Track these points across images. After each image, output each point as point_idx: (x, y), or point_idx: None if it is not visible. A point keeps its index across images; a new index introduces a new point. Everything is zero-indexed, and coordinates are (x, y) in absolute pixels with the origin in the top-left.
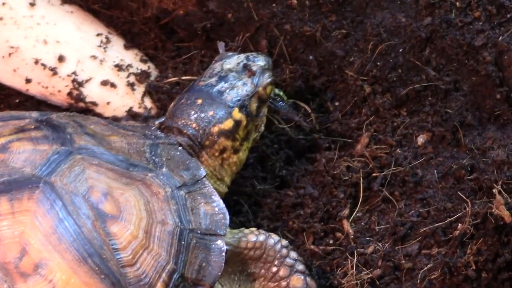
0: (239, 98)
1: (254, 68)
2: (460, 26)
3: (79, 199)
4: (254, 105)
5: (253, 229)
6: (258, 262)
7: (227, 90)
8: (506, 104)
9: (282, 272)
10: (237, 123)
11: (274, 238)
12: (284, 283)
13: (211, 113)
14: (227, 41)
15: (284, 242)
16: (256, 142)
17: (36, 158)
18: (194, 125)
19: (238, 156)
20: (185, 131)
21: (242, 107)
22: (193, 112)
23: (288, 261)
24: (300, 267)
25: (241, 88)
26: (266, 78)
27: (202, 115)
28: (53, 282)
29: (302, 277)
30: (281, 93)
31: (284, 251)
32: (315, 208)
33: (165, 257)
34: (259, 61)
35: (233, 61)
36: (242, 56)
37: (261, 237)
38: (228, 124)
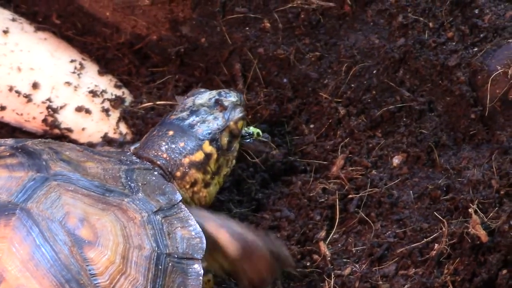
0: (210, 131)
1: (225, 103)
2: (433, 47)
3: (55, 225)
4: (225, 139)
5: None
6: None
7: (198, 124)
8: (481, 123)
9: None
10: (208, 156)
11: None
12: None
13: (181, 144)
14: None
15: None
16: (227, 177)
17: (12, 185)
18: (165, 155)
19: (209, 191)
20: (156, 161)
21: (213, 140)
22: (163, 143)
23: None
24: None
25: (212, 122)
26: (238, 113)
27: (173, 146)
28: None
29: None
30: (253, 130)
31: None
32: (292, 231)
33: (142, 282)
34: (231, 97)
35: (205, 96)
36: (214, 92)
37: None
38: (198, 156)
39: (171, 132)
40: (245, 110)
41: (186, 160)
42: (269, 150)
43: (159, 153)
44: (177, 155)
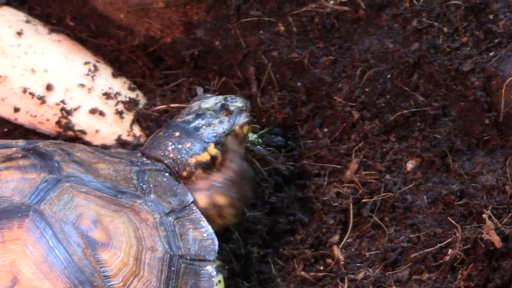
0: (215, 134)
1: (231, 108)
2: (447, 52)
3: (69, 227)
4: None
5: None
6: None
7: (204, 127)
8: (495, 129)
9: (202, 202)
10: (213, 158)
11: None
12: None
13: (188, 145)
14: (204, 86)
15: None
16: None
17: (25, 187)
18: (171, 155)
19: None
20: (164, 160)
21: (218, 143)
22: (170, 143)
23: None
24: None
25: (218, 126)
26: (243, 118)
27: (180, 146)
28: None
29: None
30: (257, 138)
31: None
32: (305, 235)
33: (155, 284)
34: (237, 102)
35: (211, 101)
36: (220, 97)
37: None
38: (205, 156)
39: (177, 134)
40: (250, 115)
41: (192, 160)
42: (275, 163)
43: (166, 153)
44: (183, 155)
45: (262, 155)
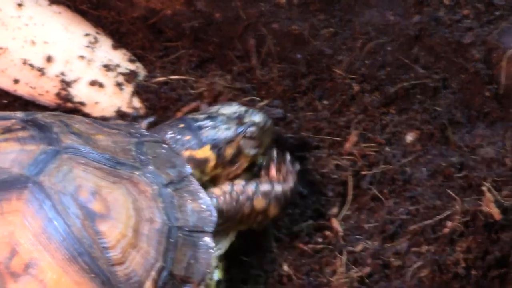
0: (215, 138)
1: (245, 120)
2: (448, 24)
3: (67, 199)
4: (230, 151)
5: (211, 189)
6: (231, 215)
7: (208, 128)
8: (495, 101)
9: (259, 205)
10: (206, 159)
11: (236, 183)
12: (260, 214)
13: (187, 137)
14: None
15: (242, 181)
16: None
17: (24, 158)
18: (168, 142)
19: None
20: None
21: (215, 147)
22: (171, 131)
23: (262, 190)
24: (263, 188)
25: (222, 131)
26: (253, 132)
27: (178, 136)
28: (44, 282)
29: (260, 196)
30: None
31: (251, 187)
32: (304, 207)
33: (154, 255)
34: (256, 117)
35: (232, 109)
36: (243, 108)
37: (227, 188)
38: (200, 153)
39: (181, 125)
40: (267, 132)
41: (186, 153)
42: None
43: (164, 139)
44: (179, 146)
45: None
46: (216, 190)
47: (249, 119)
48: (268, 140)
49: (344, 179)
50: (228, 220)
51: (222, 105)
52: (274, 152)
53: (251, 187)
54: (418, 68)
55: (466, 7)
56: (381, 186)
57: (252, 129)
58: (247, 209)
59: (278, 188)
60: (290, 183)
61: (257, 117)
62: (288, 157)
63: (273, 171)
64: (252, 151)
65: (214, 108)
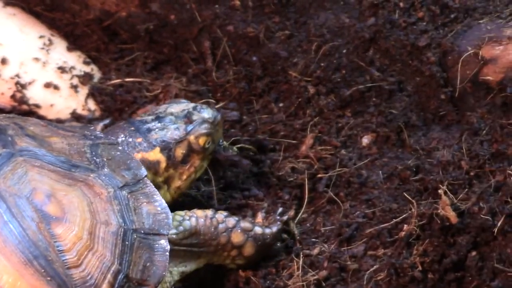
0: (164, 139)
1: (194, 117)
2: (403, 27)
3: (23, 202)
4: (180, 151)
5: (194, 210)
6: (207, 240)
7: (157, 130)
8: (451, 104)
9: (236, 239)
10: (157, 161)
11: (220, 213)
12: (235, 249)
13: (139, 140)
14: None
15: (225, 212)
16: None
17: None
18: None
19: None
20: None
21: (165, 149)
22: (122, 135)
23: (242, 226)
24: (244, 224)
25: (171, 131)
26: (202, 129)
27: (130, 139)
28: (0, 285)
29: (239, 230)
30: (227, 145)
31: (232, 220)
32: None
33: (109, 258)
34: (204, 113)
35: (180, 107)
36: (191, 105)
37: (210, 213)
38: (151, 155)
39: (132, 128)
40: (218, 127)
41: (139, 155)
42: (238, 159)
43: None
44: (131, 149)
45: (226, 157)
46: (198, 212)
47: (198, 116)
48: (220, 135)
49: (300, 182)
50: (203, 245)
51: (170, 103)
52: (265, 204)
53: (232, 220)
54: (374, 70)
55: (421, 10)
56: (337, 189)
57: (202, 126)
58: (224, 238)
59: (259, 229)
60: (274, 228)
61: (206, 113)
62: (280, 209)
63: (259, 218)
64: (203, 149)
65: (162, 108)
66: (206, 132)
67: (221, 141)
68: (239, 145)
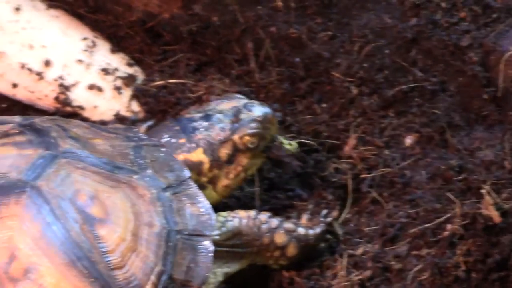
0: (207, 140)
1: (242, 116)
2: (446, 27)
3: (66, 203)
4: (224, 152)
5: (237, 211)
6: (250, 240)
7: (202, 129)
8: (493, 104)
9: (279, 240)
10: (200, 162)
11: (263, 213)
12: (278, 250)
13: (182, 140)
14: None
15: (268, 213)
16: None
17: (21, 163)
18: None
19: (204, 193)
20: None
21: (208, 149)
22: (166, 135)
23: (286, 226)
24: (287, 225)
25: (216, 132)
26: (248, 129)
27: (173, 140)
28: (43, 286)
29: (282, 231)
30: (286, 141)
31: (275, 221)
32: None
33: (153, 259)
34: (255, 111)
35: (231, 103)
36: (242, 101)
37: (253, 214)
38: (194, 156)
39: (177, 128)
40: (269, 125)
41: (181, 156)
42: (289, 160)
43: (160, 142)
44: (174, 149)
45: (277, 156)
46: (241, 212)
47: (246, 114)
48: (273, 132)
49: (344, 182)
50: (246, 245)
51: (222, 99)
52: (310, 206)
53: (275, 221)
54: (416, 71)
55: (463, 10)
56: (380, 189)
57: (248, 125)
58: (267, 239)
59: (302, 230)
60: (317, 230)
61: (257, 111)
62: (324, 211)
63: (304, 219)
64: (251, 148)
65: (212, 104)
66: (251, 132)
67: (277, 137)
68: (298, 140)
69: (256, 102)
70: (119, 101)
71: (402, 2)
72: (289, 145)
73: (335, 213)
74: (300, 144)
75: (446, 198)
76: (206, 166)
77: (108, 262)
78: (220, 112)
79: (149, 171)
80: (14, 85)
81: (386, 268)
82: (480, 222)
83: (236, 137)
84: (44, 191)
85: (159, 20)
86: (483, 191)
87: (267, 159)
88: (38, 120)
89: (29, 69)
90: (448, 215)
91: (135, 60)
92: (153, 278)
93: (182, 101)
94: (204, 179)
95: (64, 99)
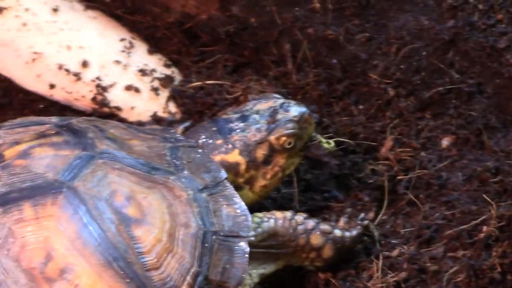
0: (244, 141)
1: (279, 117)
2: (483, 29)
3: (102, 204)
4: (261, 153)
5: (273, 212)
6: (286, 241)
7: (238, 131)
8: None
9: (315, 241)
10: (237, 163)
11: (299, 214)
12: (313, 251)
13: (219, 141)
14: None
15: (304, 214)
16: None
17: (58, 164)
18: (201, 147)
19: (241, 194)
20: None
21: (245, 151)
22: (203, 136)
23: (322, 228)
24: (323, 226)
25: (252, 132)
26: (284, 129)
27: (210, 141)
28: (79, 287)
29: (318, 232)
30: (324, 140)
31: (311, 222)
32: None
33: (189, 260)
34: (292, 111)
35: (268, 103)
36: (279, 101)
37: (289, 215)
38: (230, 158)
39: (214, 128)
40: (306, 125)
41: (218, 157)
42: (327, 160)
43: (197, 143)
44: (210, 150)
45: (316, 155)
46: (277, 213)
47: (283, 114)
48: (310, 132)
49: (380, 184)
50: (282, 246)
51: (259, 99)
52: (348, 209)
53: (311, 222)
54: (453, 72)
55: (500, 12)
56: (417, 191)
57: (284, 126)
58: (303, 240)
59: (338, 232)
60: (353, 232)
61: (293, 111)
62: (362, 214)
63: (341, 222)
64: (288, 148)
65: (250, 105)
66: (288, 132)
67: (315, 136)
68: (335, 139)
69: (293, 101)
70: (156, 102)
71: (439, 4)
72: (327, 143)
73: (371, 215)
74: (337, 143)
75: (482, 200)
76: (243, 167)
77: (144, 263)
78: (257, 112)
79: (185, 172)
80: (52, 86)
81: (422, 270)
82: None
83: (272, 138)
84: (80, 191)
85: (196, 21)
86: None
87: (305, 159)
88: (75, 121)
89: (67, 70)
90: (484, 217)
91: (173, 61)
92: (188, 279)
93: (219, 102)
94: (241, 180)
95: (102, 100)
